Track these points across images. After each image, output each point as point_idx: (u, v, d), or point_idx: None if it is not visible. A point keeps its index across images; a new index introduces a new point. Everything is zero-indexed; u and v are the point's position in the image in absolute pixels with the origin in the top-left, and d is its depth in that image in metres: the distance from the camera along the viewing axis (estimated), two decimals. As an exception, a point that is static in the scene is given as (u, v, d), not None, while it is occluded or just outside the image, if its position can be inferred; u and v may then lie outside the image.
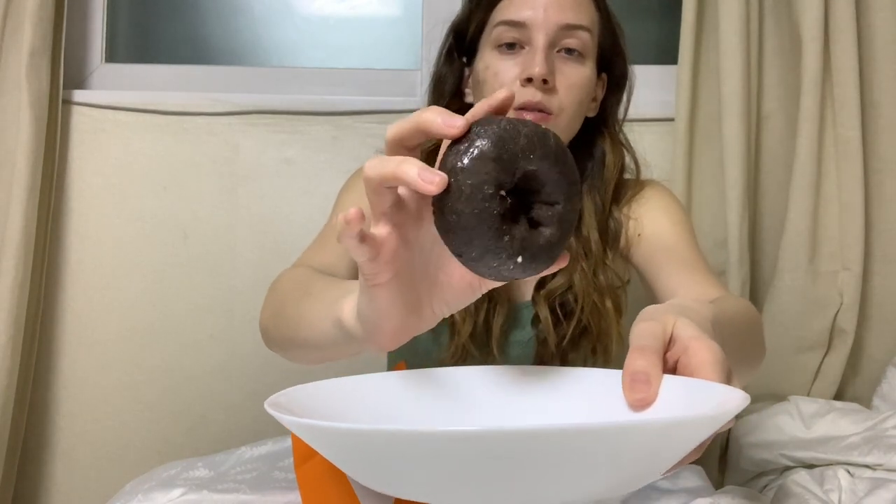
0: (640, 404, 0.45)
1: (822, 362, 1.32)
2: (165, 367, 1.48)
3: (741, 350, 0.65)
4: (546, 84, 0.85)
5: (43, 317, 1.46)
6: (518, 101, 0.86)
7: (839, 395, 1.34)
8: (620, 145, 0.99)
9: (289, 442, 1.02)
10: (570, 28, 0.87)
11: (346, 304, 0.57)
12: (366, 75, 1.53)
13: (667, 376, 0.45)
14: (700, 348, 0.46)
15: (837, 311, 1.30)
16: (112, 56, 1.56)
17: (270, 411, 0.42)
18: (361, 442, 0.36)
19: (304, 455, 0.83)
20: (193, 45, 1.63)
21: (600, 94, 0.97)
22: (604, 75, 0.96)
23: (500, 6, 0.90)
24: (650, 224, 0.97)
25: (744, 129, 1.28)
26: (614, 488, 0.38)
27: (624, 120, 1.01)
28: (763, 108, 1.34)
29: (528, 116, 0.86)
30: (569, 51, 0.88)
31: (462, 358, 0.94)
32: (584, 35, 0.88)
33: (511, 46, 0.88)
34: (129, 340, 1.49)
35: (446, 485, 0.36)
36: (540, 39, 0.86)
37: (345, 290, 0.60)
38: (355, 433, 0.36)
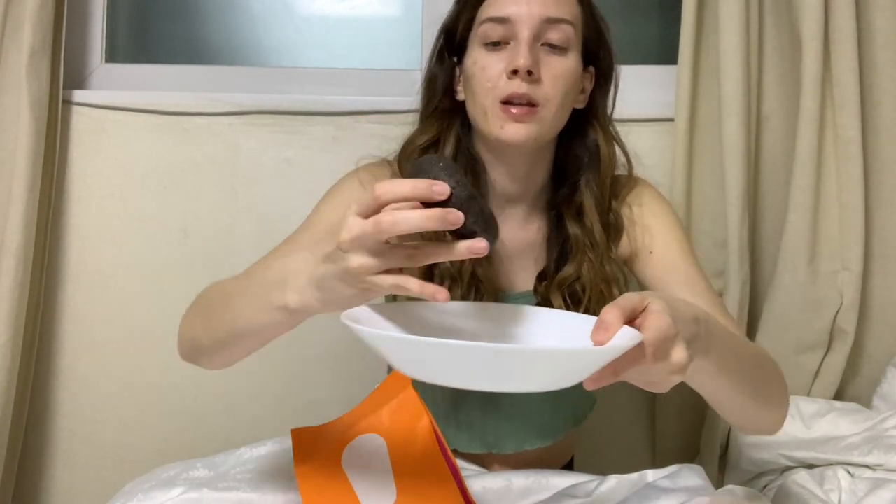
0: (598, 343, 0.58)
1: (822, 362, 1.32)
2: (165, 367, 1.47)
3: (738, 370, 0.75)
4: (531, 75, 0.88)
5: (43, 317, 1.46)
6: (505, 92, 0.90)
7: (839, 395, 1.34)
8: (612, 137, 1.01)
9: (288, 443, 1.02)
10: (552, 21, 0.90)
11: (290, 296, 0.67)
12: (366, 75, 1.53)
13: (624, 327, 0.59)
14: (653, 314, 0.59)
15: (837, 311, 1.30)
16: (112, 56, 1.56)
17: (346, 322, 0.60)
18: (404, 348, 0.57)
19: (305, 455, 0.83)
20: (193, 45, 1.63)
21: (589, 87, 0.99)
22: (591, 68, 0.98)
23: (485, 4, 0.93)
24: (661, 245, 1.00)
25: (744, 129, 1.28)
26: (551, 384, 0.57)
27: (612, 113, 1.03)
28: (763, 108, 1.34)
29: (514, 110, 0.90)
30: (552, 45, 0.91)
31: None
32: (567, 28, 0.90)
33: (497, 42, 0.91)
34: (129, 340, 1.49)
35: (449, 372, 0.55)
36: (524, 33, 0.89)
37: (273, 285, 0.70)
38: (403, 341, 0.57)
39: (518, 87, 0.88)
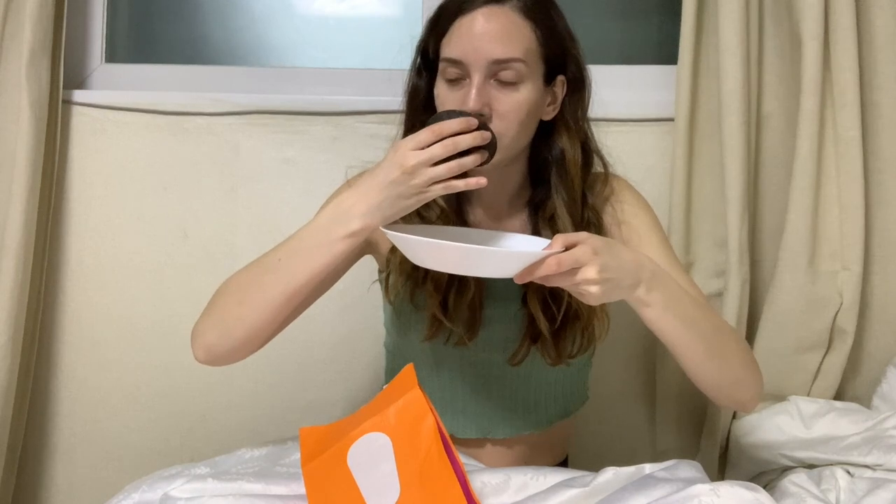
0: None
1: (822, 362, 1.32)
2: (165, 367, 1.48)
3: (690, 320, 0.89)
4: (482, 116, 0.92)
5: (43, 317, 1.47)
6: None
7: (839, 395, 1.34)
8: (579, 140, 1.02)
9: (289, 443, 1.03)
10: (501, 62, 0.92)
11: (355, 223, 0.86)
12: (366, 75, 1.54)
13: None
14: (579, 246, 0.80)
15: (837, 311, 1.30)
16: (112, 56, 1.56)
17: (384, 230, 0.84)
18: (419, 247, 0.82)
19: (312, 453, 0.83)
20: (193, 45, 1.63)
21: (560, 94, 1.01)
22: (561, 77, 1.00)
23: (444, 40, 0.96)
24: (648, 244, 1.03)
25: (744, 129, 1.28)
26: (493, 273, 0.83)
27: (585, 113, 1.04)
28: (763, 108, 1.34)
29: None
30: (504, 81, 0.93)
31: (438, 326, 1.03)
32: (517, 65, 0.93)
33: (454, 78, 0.95)
34: (129, 340, 1.49)
35: (443, 260, 0.82)
36: (474, 77, 0.93)
37: (330, 224, 0.88)
38: (419, 242, 0.81)
39: None
